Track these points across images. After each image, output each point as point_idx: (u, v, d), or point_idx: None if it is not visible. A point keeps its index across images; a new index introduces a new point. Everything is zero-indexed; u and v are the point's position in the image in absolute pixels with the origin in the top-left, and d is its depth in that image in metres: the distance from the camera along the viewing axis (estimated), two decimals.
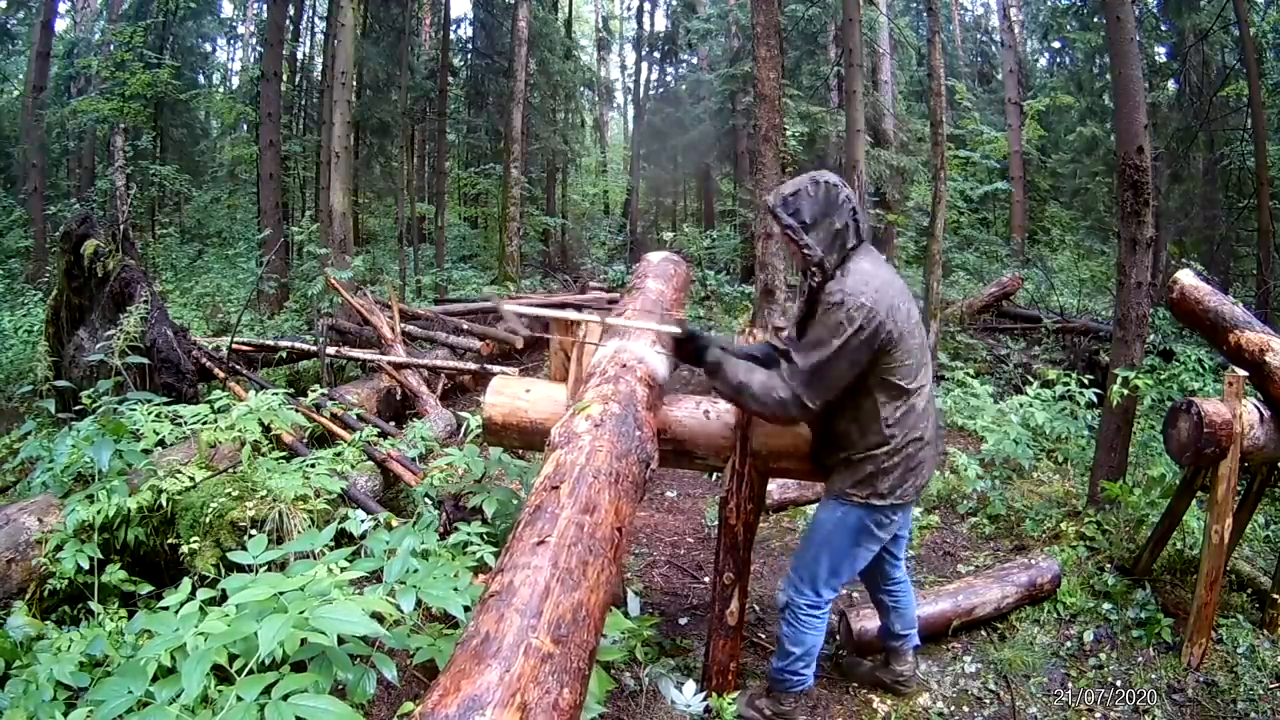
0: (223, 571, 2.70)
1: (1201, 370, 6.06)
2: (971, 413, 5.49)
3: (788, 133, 10.45)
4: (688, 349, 2.41)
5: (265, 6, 14.02)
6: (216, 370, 5.32)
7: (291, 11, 14.67)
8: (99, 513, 2.88)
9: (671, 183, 22.38)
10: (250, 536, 2.07)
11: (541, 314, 2.91)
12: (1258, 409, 3.01)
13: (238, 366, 5.59)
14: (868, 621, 3.01)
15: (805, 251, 2.29)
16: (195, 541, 2.98)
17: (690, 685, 2.52)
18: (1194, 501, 3.32)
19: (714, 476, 4.92)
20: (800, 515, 4.53)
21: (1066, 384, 5.26)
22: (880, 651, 2.93)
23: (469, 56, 19.64)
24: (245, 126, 17.38)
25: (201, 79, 18.57)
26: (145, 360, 4.30)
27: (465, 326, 8.33)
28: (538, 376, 3.65)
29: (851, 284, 2.21)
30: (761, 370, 2.31)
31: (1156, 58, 12.99)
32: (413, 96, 15.99)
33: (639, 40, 22.53)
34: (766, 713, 2.64)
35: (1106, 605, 3.32)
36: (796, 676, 2.58)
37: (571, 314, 2.79)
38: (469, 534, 2.60)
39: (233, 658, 1.61)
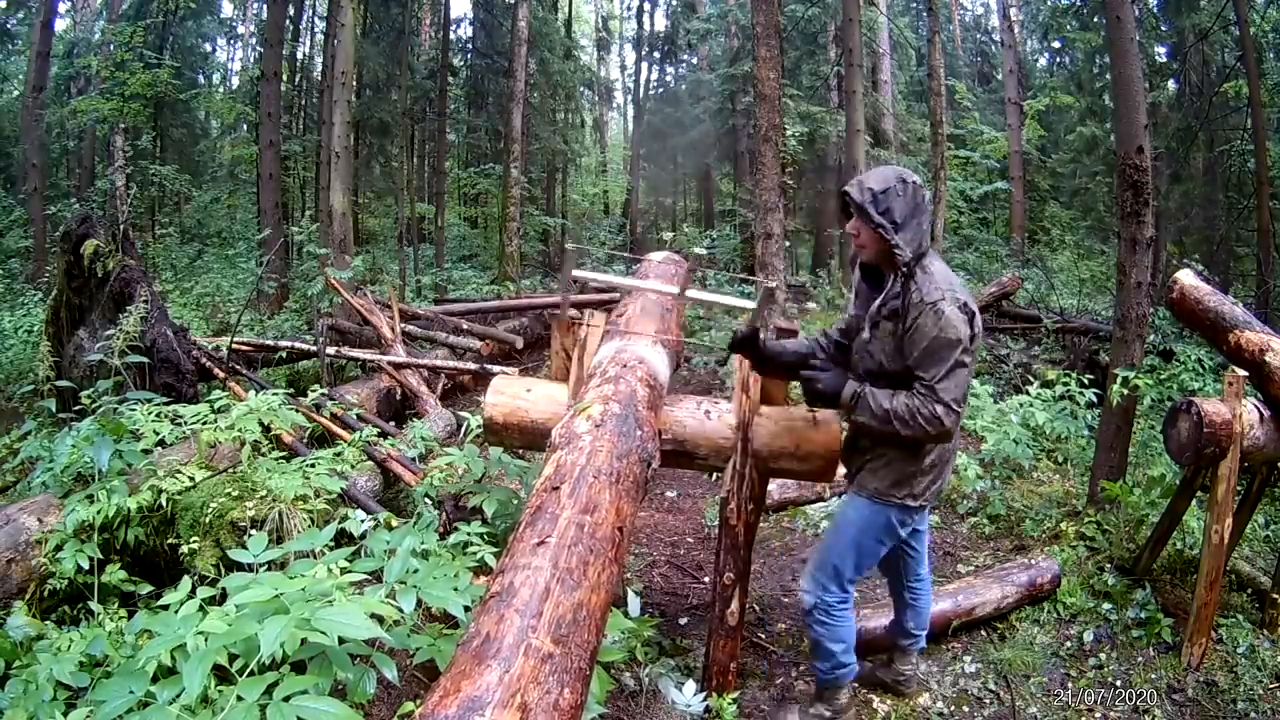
0: (223, 571, 2.70)
1: (1201, 370, 6.06)
2: (971, 413, 5.48)
3: (788, 133, 10.46)
4: (817, 389, 2.35)
5: (265, 6, 14.01)
6: (216, 370, 5.32)
7: (291, 11, 14.67)
8: (99, 513, 2.87)
9: (671, 183, 22.38)
10: (250, 536, 2.07)
11: (619, 283, 2.91)
12: (1258, 409, 3.01)
13: (238, 366, 5.59)
14: (868, 621, 3.01)
15: (896, 252, 2.22)
16: (195, 541, 2.97)
17: (690, 685, 2.53)
18: (1194, 501, 3.32)
19: (714, 476, 4.92)
20: (800, 515, 4.53)
21: (1066, 384, 5.26)
22: (884, 650, 2.93)
23: (469, 56, 19.65)
24: (245, 126, 17.38)
25: (201, 79, 18.55)
26: (145, 360, 4.30)
27: (465, 326, 8.33)
28: (538, 376, 3.64)
29: (943, 283, 2.20)
30: (899, 393, 2.25)
31: (1156, 58, 12.99)
32: (413, 96, 15.99)
33: (639, 40, 22.56)
34: (826, 714, 2.64)
35: (1106, 605, 3.32)
36: (845, 669, 2.60)
37: (650, 285, 2.77)
38: (469, 534, 2.60)
39: (233, 658, 1.61)
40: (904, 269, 2.25)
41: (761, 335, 2.51)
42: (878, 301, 2.33)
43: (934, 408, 2.16)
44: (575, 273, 2.64)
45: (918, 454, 2.35)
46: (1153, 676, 2.95)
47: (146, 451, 3.31)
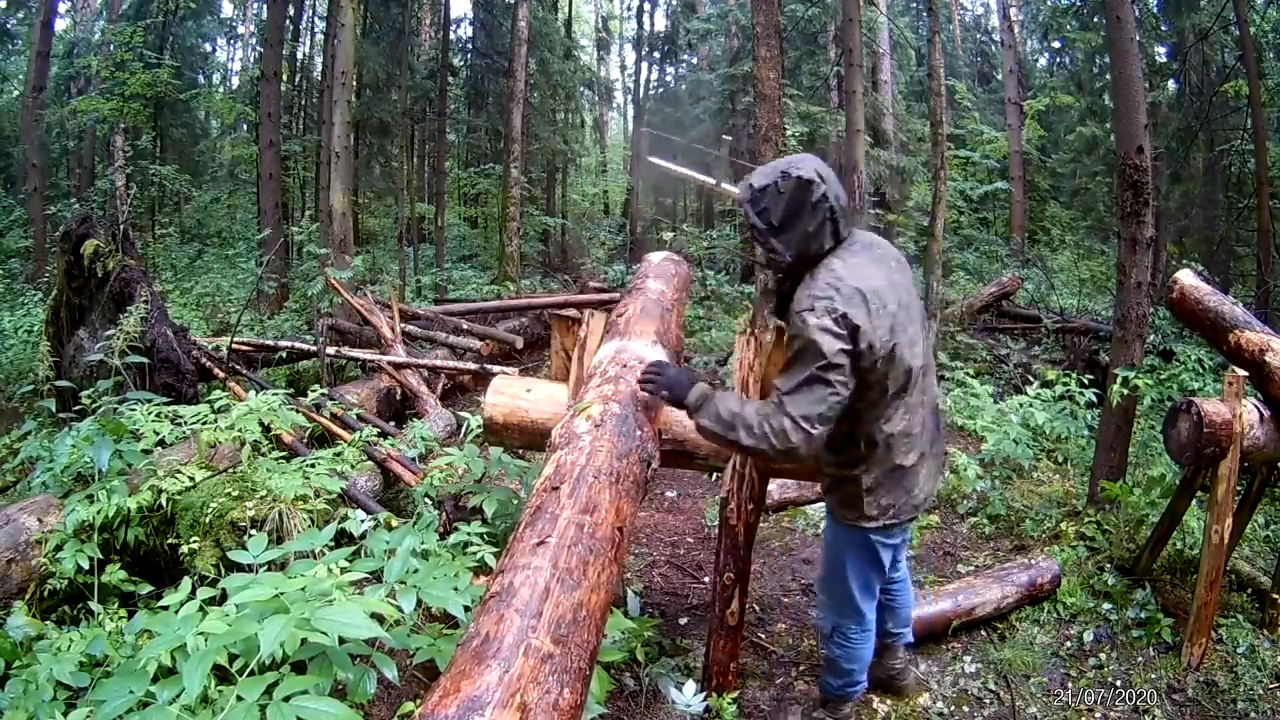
0: (223, 571, 2.71)
1: (1201, 370, 6.06)
2: (971, 413, 5.49)
3: (788, 133, 10.45)
4: (658, 384, 2.14)
5: (265, 6, 14.02)
6: (216, 370, 5.32)
7: (291, 11, 14.66)
8: (99, 513, 2.88)
9: (672, 183, 22.36)
10: (250, 536, 2.07)
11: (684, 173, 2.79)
12: (1258, 409, 3.01)
13: (238, 366, 5.59)
14: None
15: (771, 256, 2.09)
16: (195, 541, 2.98)
17: (690, 685, 2.52)
18: (1194, 501, 3.32)
19: (714, 476, 4.92)
20: (800, 515, 4.53)
21: (1066, 384, 5.26)
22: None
23: (469, 56, 19.64)
24: (245, 126, 17.37)
25: (201, 79, 18.55)
26: (145, 360, 4.30)
27: (465, 326, 8.34)
28: (538, 376, 3.64)
29: (820, 287, 1.99)
30: (753, 400, 2.10)
31: (1156, 58, 12.99)
32: (413, 96, 15.99)
33: (639, 40, 22.55)
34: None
35: (1106, 605, 3.32)
36: (855, 687, 2.59)
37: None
38: (469, 534, 2.60)
39: (233, 658, 1.61)
40: (780, 273, 2.10)
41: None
42: (773, 306, 2.22)
43: (781, 420, 1.95)
44: (651, 159, 2.50)
45: (851, 476, 2.19)
46: (1153, 676, 2.95)
47: (146, 451, 3.31)
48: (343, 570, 1.95)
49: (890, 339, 2.02)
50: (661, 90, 22.47)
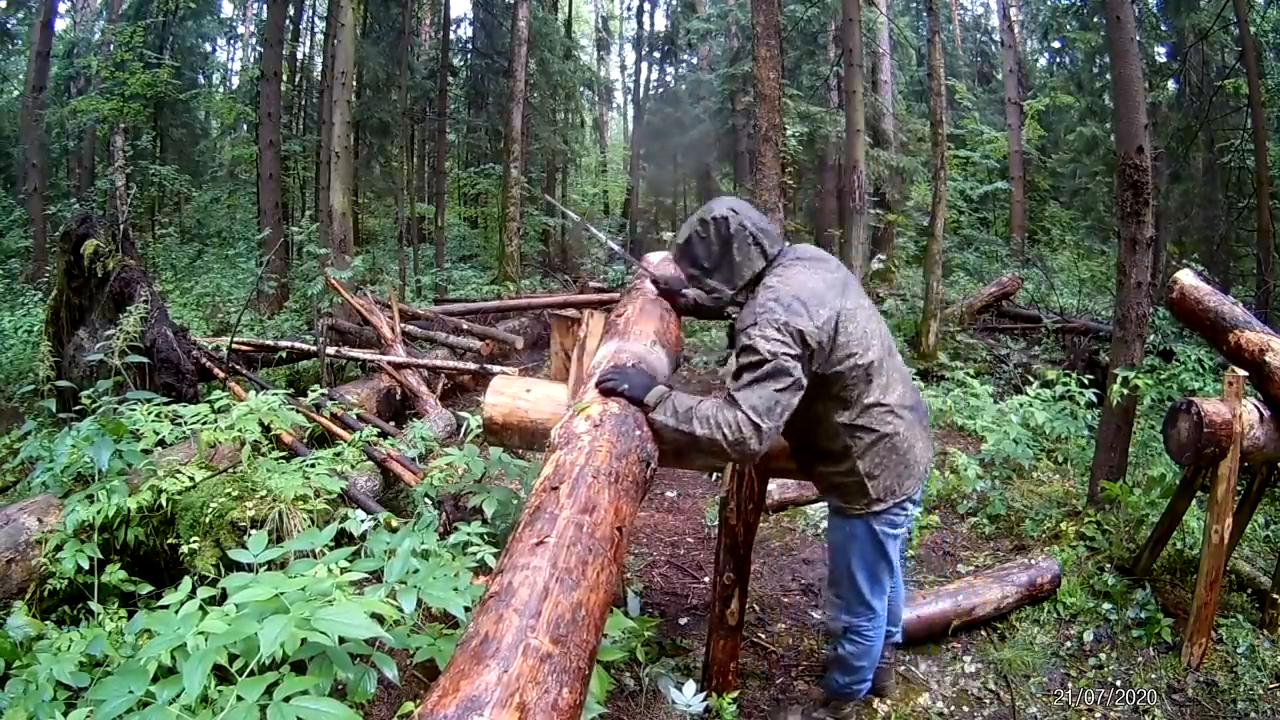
0: (223, 571, 2.71)
1: (1201, 370, 6.06)
2: (971, 413, 5.49)
3: (788, 133, 10.46)
4: (617, 381, 2.10)
5: (265, 6, 14.02)
6: (216, 370, 5.32)
7: (291, 11, 14.66)
8: (99, 513, 2.88)
9: (671, 183, 22.37)
10: (250, 536, 2.07)
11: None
12: (1258, 409, 3.01)
13: (238, 366, 5.59)
14: None
15: (715, 296, 2.31)
16: (195, 541, 2.98)
17: (690, 685, 2.52)
18: (1194, 501, 3.32)
19: (714, 476, 4.92)
20: (800, 515, 4.53)
21: (1066, 384, 5.26)
22: None
23: (469, 56, 19.65)
24: (245, 126, 17.37)
25: (201, 79, 18.55)
26: (145, 360, 4.30)
27: (465, 326, 8.34)
28: (538, 376, 3.65)
29: (761, 304, 2.12)
30: (709, 397, 2.14)
31: (1156, 58, 12.98)
32: (413, 96, 15.99)
33: (639, 40, 22.55)
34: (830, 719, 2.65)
35: (1106, 605, 3.32)
36: (863, 684, 2.60)
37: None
38: (469, 534, 2.60)
39: (233, 658, 1.61)
40: (731, 305, 2.31)
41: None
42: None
43: (735, 413, 2.02)
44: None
45: (850, 468, 2.27)
46: (1153, 676, 2.95)
47: (146, 451, 3.31)
48: (343, 570, 1.95)
49: (837, 333, 2.15)
50: (661, 90, 22.46)
